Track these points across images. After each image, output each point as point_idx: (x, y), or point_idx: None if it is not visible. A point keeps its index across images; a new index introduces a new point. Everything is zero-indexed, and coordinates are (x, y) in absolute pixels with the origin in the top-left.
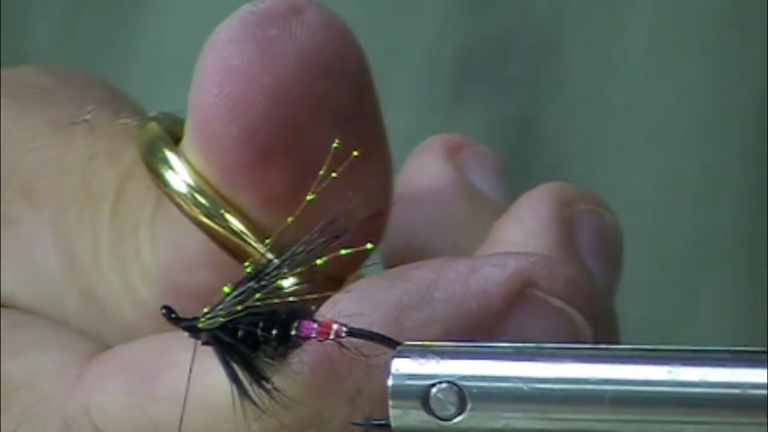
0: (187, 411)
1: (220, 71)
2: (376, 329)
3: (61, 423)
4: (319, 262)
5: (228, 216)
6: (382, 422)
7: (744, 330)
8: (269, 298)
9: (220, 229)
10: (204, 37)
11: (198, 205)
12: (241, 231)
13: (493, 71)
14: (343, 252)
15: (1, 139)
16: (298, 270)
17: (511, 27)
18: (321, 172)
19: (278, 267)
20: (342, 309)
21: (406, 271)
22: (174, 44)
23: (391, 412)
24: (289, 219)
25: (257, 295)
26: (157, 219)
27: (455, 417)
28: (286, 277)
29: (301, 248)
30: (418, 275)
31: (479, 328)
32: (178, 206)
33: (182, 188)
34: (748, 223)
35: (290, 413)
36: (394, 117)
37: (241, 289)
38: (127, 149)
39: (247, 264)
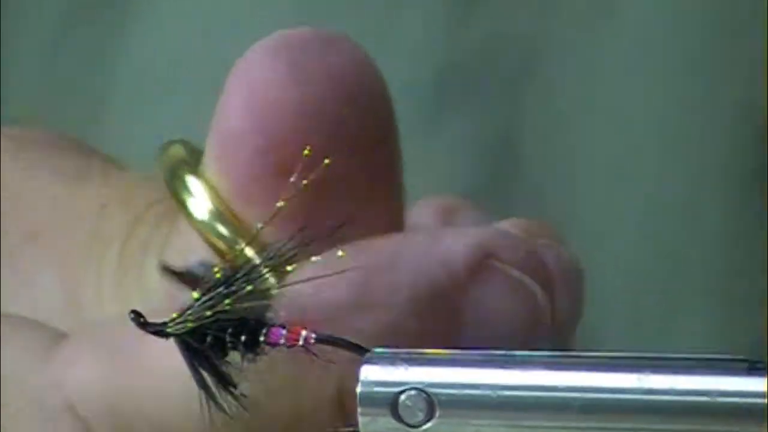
0: (165, 392)
1: (250, 82)
2: (343, 294)
3: (33, 400)
4: (288, 268)
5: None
6: (351, 429)
7: (725, 348)
8: (239, 302)
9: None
10: (190, 54)
11: (219, 236)
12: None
13: (473, 90)
14: (313, 259)
15: (9, 190)
16: (268, 276)
17: (492, 45)
18: (304, 181)
19: (248, 273)
20: (309, 275)
21: (371, 242)
22: (159, 62)
23: (360, 419)
24: (259, 225)
25: (226, 301)
26: (165, 249)
27: (424, 424)
28: (256, 283)
29: (272, 255)
30: (383, 244)
31: (444, 298)
32: (199, 232)
33: (204, 216)
34: (731, 240)
35: (261, 418)
36: None
37: (210, 295)
38: (140, 197)
39: (216, 269)
